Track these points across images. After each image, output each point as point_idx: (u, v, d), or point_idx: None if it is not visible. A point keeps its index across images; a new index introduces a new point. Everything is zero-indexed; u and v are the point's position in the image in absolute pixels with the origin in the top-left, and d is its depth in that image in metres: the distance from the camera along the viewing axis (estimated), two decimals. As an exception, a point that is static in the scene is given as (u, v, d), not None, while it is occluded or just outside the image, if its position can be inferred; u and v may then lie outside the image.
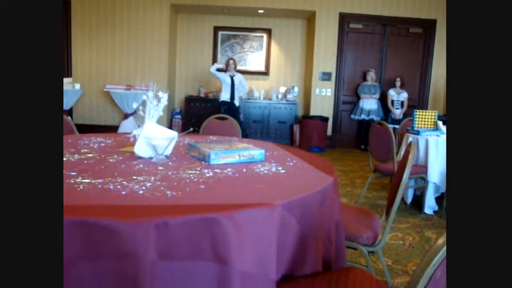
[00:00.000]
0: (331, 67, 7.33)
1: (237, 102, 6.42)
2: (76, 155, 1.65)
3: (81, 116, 7.28)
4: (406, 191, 3.71)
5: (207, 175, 1.38)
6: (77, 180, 1.25)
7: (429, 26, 7.30)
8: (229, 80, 6.30)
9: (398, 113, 6.91)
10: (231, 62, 6.43)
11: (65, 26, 7.14)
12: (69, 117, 6.32)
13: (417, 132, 3.66)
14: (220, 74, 6.39)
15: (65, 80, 6.55)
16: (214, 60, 7.76)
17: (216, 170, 1.46)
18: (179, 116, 7.51)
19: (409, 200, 3.76)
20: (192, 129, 2.66)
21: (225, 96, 6.36)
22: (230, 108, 6.22)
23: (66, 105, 6.48)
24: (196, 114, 7.22)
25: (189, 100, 7.49)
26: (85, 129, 6.70)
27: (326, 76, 7.33)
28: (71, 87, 6.50)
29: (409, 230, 3.11)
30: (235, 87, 6.33)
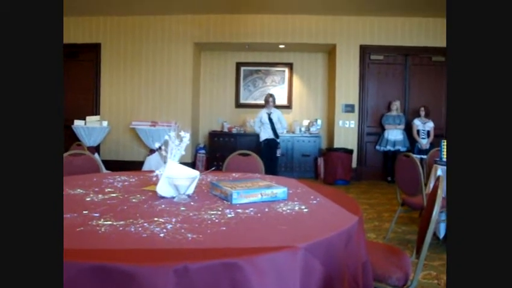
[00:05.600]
0: (353, 99, 7.31)
1: (277, 139, 6.08)
2: (99, 195, 1.67)
3: (108, 152, 7.46)
4: (438, 225, 3.55)
5: (229, 216, 1.36)
6: (99, 222, 1.25)
7: (452, 54, 7.22)
8: (266, 119, 5.99)
9: (424, 142, 6.76)
10: (270, 99, 6.09)
11: (95, 66, 7.47)
12: (96, 154, 6.51)
13: (446, 163, 3.54)
14: (258, 117, 6.13)
15: (93, 118, 6.78)
16: (237, 95, 7.92)
17: (237, 210, 1.43)
18: (203, 151, 7.59)
19: (441, 234, 3.58)
20: (214, 168, 2.67)
21: (264, 135, 6.03)
22: (269, 144, 5.96)
23: (94, 142, 6.67)
24: (220, 149, 7.29)
25: (213, 135, 7.58)
26: (111, 164, 6.86)
27: (349, 108, 7.30)
28: (98, 125, 6.70)
29: (443, 268, 2.95)
30: (275, 124, 5.98)
